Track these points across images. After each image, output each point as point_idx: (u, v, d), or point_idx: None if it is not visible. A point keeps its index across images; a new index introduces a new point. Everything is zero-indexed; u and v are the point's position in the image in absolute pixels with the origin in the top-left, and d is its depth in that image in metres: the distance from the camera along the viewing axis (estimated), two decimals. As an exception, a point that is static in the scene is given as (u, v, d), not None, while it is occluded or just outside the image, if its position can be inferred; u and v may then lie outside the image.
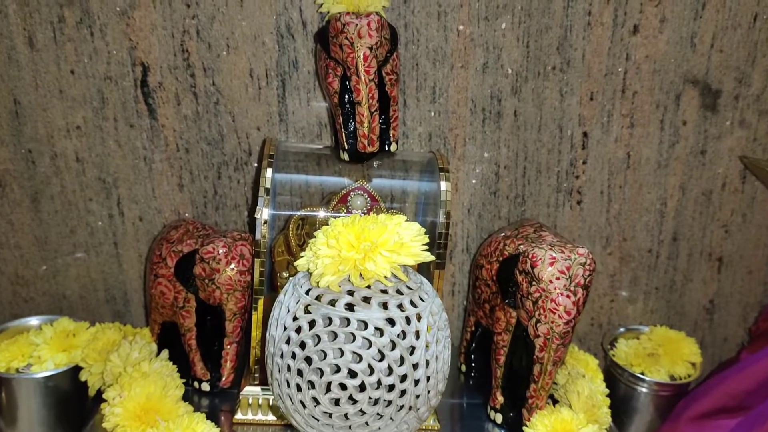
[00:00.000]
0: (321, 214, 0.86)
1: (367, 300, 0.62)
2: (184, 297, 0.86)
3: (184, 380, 0.84)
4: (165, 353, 0.88)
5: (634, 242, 1.03)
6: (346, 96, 0.80)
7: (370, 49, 0.76)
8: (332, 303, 0.62)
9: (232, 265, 0.83)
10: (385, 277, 0.62)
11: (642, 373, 0.98)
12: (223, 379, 0.88)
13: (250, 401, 0.84)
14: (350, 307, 0.61)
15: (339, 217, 0.85)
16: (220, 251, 0.83)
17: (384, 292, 0.63)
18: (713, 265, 1.06)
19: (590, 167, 0.98)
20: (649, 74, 0.94)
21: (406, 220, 0.66)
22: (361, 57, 0.76)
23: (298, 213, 0.87)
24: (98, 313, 1.03)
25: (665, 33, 0.92)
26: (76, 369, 0.88)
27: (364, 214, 0.85)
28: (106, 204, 0.97)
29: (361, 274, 0.62)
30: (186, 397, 0.85)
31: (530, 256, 0.80)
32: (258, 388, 0.84)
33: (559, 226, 1.01)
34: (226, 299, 0.84)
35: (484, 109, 0.94)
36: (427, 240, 0.65)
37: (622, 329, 1.07)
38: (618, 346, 1.02)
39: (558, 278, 0.78)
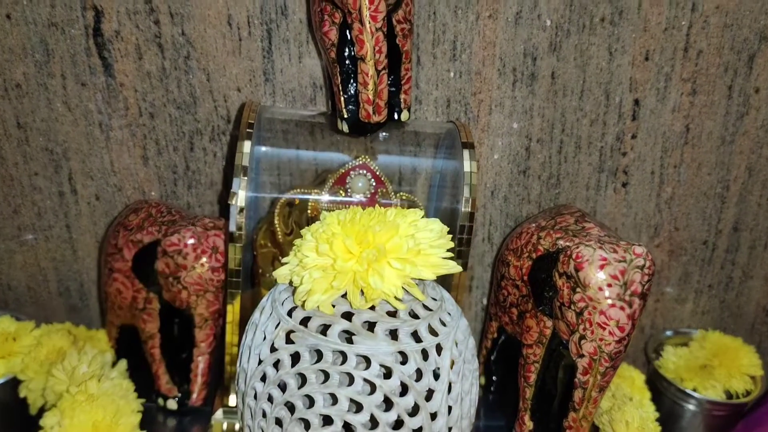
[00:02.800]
0: (313, 197, 0.69)
1: (370, 327, 0.46)
2: (144, 297, 0.71)
3: (144, 400, 0.68)
4: (122, 365, 0.72)
5: (687, 232, 0.87)
6: (347, 50, 0.62)
7: (378, -12, 0.59)
8: (323, 331, 0.46)
9: (203, 260, 0.67)
10: (396, 297, 0.45)
11: (694, 389, 0.83)
12: (194, 396, 0.72)
13: (225, 426, 0.68)
14: (348, 336, 0.45)
15: (335, 201, 0.69)
16: (188, 243, 0.67)
17: (392, 314, 0.47)
18: (778, 260, 0.90)
19: (640, 142, 0.81)
20: (718, 29, 0.76)
21: (424, 216, 0.49)
22: (367, -1, 0.58)
23: (285, 196, 0.70)
24: (50, 308, 0.87)
25: (741, -22, 0.74)
26: (18, 380, 0.73)
27: (367, 198, 0.69)
28: (56, 179, 0.80)
29: (362, 292, 0.46)
30: (149, 417, 0.71)
31: (574, 256, 0.63)
32: (235, 409, 0.69)
33: (599, 212, 0.85)
34: (195, 302, 0.68)
35: (515, 69, 0.77)
36: (451, 244, 0.48)
37: (668, 333, 0.91)
38: (665, 355, 0.87)
39: (610, 285, 0.62)
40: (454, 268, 0.47)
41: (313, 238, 0.47)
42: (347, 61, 0.63)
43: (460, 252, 0.66)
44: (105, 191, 0.81)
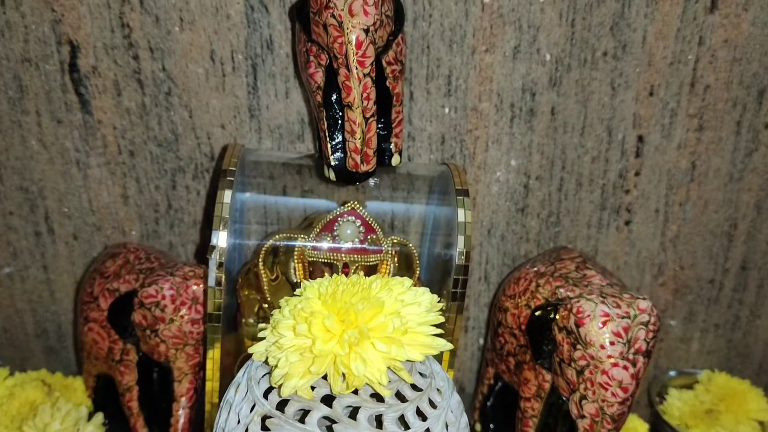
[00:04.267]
0: (300, 243, 0.66)
1: (353, 412, 0.42)
2: (121, 348, 0.67)
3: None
4: (98, 419, 0.69)
5: (693, 271, 0.83)
6: (334, 94, 0.59)
7: (366, 31, 0.55)
8: (302, 417, 0.42)
9: (182, 312, 0.64)
10: (380, 383, 0.42)
11: (700, 437, 0.79)
12: (173, 452, 0.69)
13: (206, 487, 0.65)
14: (328, 423, 0.42)
15: (323, 249, 0.65)
16: (166, 294, 0.63)
17: (377, 398, 0.43)
18: (787, 299, 0.86)
19: (644, 179, 0.78)
20: (726, 63, 0.73)
21: (414, 284, 0.46)
22: (354, 43, 0.55)
23: (269, 242, 0.66)
24: (27, 350, 0.84)
25: (751, 11, 0.70)
26: (-11, 433, 0.69)
27: (356, 246, 0.65)
28: (31, 219, 0.77)
29: (344, 375, 0.42)
30: (127, 473, 0.67)
31: (575, 310, 0.60)
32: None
33: (601, 251, 0.81)
34: (174, 355, 0.65)
35: (513, 104, 0.73)
36: (442, 319, 0.45)
37: (672, 373, 0.88)
38: (669, 400, 0.83)
39: (612, 343, 0.59)
40: (445, 346, 0.44)
41: (290, 315, 0.43)
42: (334, 106, 0.59)
43: (455, 307, 0.62)
44: (83, 231, 0.77)
